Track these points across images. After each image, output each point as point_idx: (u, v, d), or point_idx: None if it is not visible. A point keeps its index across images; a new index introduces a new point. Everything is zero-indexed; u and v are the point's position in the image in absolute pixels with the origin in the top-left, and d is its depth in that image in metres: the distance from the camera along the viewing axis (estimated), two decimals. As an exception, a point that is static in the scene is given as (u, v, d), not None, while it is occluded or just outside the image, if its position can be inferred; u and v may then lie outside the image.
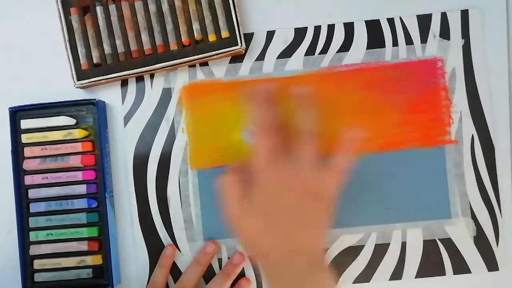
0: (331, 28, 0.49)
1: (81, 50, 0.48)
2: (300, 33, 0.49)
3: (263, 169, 0.42)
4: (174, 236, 0.49)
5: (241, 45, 0.47)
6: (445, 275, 0.48)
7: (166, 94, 0.49)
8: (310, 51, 0.49)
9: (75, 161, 0.48)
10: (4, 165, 0.48)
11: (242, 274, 0.49)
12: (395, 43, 0.49)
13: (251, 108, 0.44)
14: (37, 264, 0.48)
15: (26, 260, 0.48)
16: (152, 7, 0.48)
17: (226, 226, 0.43)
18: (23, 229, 0.48)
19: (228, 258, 0.49)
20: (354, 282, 0.48)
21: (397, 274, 0.48)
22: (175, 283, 0.48)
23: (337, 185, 0.43)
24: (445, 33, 0.48)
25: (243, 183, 0.43)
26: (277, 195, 0.42)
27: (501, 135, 0.48)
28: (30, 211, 0.48)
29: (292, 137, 0.43)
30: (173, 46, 0.48)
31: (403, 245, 0.48)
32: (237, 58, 0.49)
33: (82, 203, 0.48)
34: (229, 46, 0.48)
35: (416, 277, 0.48)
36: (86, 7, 0.48)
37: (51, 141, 0.48)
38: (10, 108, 0.48)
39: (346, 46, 0.49)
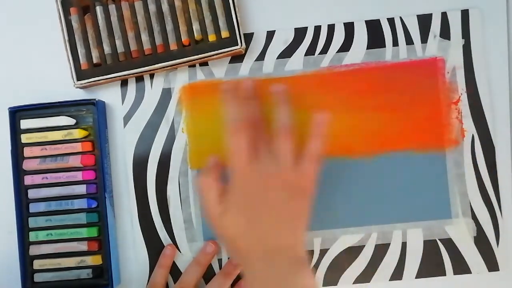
0: (331, 28, 0.49)
1: (81, 50, 0.48)
2: (300, 33, 0.49)
3: (241, 167, 0.42)
4: (174, 236, 0.49)
5: (241, 45, 0.47)
6: (445, 275, 0.48)
7: (166, 94, 0.49)
8: (310, 51, 0.49)
9: (75, 161, 0.48)
10: (4, 165, 0.48)
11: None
12: (395, 43, 0.49)
13: (227, 105, 0.44)
14: (37, 264, 0.48)
15: (26, 260, 0.48)
16: (152, 7, 0.48)
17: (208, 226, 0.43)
18: (23, 229, 0.48)
19: (228, 258, 0.49)
20: (354, 283, 0.48)
21: (397, 274, 0.48)
22: (175, 283, 0.48)
23: (316, 175, 0.43)
24: (445, 33, 0.48)
25: (221, 181, 0.43)
26: (256, 193, 0.42)
27: (502, 135, 0.48)
28: (30, 211, 0.48)
29: (269, 134, 0.44)
30: (173, 46, 0.48)
31: (404, 245, 0.48)
32: (237, 58, 0.49)
33: (82, 203, 0.48)
34: (229, 46, 0.47)
35: (417, 277, 0.48)
36: (86, 7, 0.48)
37: (51, 141, 0.48)
38: (10, 108, 0.48)
39: (346, 46, 0.49)
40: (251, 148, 0.42)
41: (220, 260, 0.49)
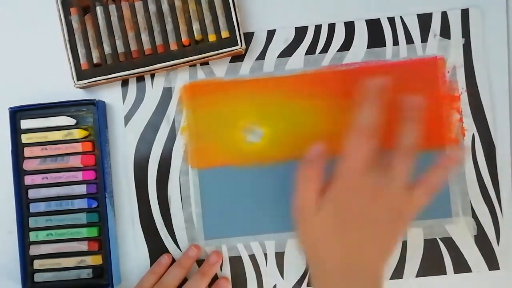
0: (331, 27, 0.49)
1: (81, 50, 0.48)
2: (300, 32, 0.49)
3: (353, 171, 0.40)
4: (174, 236, 0.49)
5: (241, 45, 0.47)
6: (446, 274, 0.48)
7: (167, 94, 0.49)
8: (311, 50, 0.49)
9: (75, 161, 0.48)
10: (4, 165, 0.48)
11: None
12: (395, 42, 0.49)
13: (360, 104, 0.41)
14: (37, 264, 0.48)
15: (26, 260, 0.48)
16: (152, 7, 0.48)
17: (294, 220, 0.41)
18: (23, 229, 0.48)
19: (230, 257, 0.49)
20: (355, 282, 0.48)
21: (398, 273, 0.48)
22: None
23: (423, 207, 0.41)
24: (445, 32, 0.48)
25: (322, 176, 0.41)
26: (359, 202, 0.40)
27: (502, 134, 0.48)
28: (30, 211, 0.48)
29: (389, 147, 0.41)
30: (173, 46, 0.48)
31: (404, 244, 0.48)
32: (238, 58, 0.49)
33: (82, 203, 0.48)
34: (229, 46, 0.47)
35: (417, 276, 0.48)
36: (86, 7, 0.48)
37: (51, 141, 0.48)
38: (10, 108, 0.48)
39: (346, 45, 0.49)
40: (369, 156, 0.40)
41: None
